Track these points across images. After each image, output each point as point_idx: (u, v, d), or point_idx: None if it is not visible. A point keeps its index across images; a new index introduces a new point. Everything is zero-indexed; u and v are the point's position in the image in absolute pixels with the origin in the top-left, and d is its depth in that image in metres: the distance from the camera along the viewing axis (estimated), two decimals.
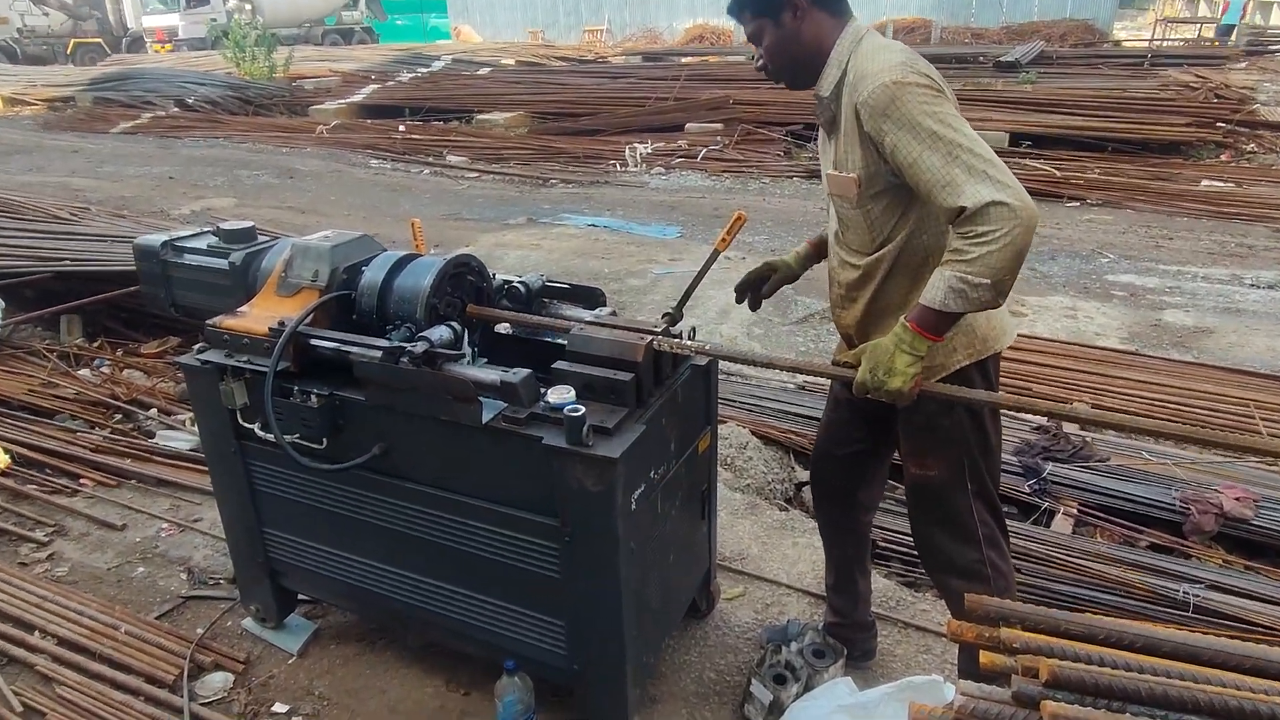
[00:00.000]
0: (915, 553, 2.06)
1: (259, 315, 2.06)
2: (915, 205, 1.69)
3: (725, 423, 3.55)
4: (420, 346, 1.84)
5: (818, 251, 2.09)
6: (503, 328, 2.28)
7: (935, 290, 1.55)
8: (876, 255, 1.77)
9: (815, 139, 8.50)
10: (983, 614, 1.26)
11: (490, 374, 1.87)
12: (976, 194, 1.49)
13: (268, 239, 2.32)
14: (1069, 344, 4.44)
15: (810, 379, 4.07)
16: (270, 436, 2.04)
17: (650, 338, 1.89)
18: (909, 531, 2.05)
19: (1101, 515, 3.03)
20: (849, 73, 1.66)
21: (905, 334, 1.58)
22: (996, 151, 1.78)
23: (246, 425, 2.12)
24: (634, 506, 1.81)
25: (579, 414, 1.70)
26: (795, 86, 1.76)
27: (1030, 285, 5.59)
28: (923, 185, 1.56)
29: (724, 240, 1.91)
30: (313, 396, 1.98)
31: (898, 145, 1.58)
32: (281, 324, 1.97)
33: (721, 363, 4.10)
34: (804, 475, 3.46)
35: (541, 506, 1.84)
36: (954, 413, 1.76)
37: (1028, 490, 3.17)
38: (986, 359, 1.80)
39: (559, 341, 2.15)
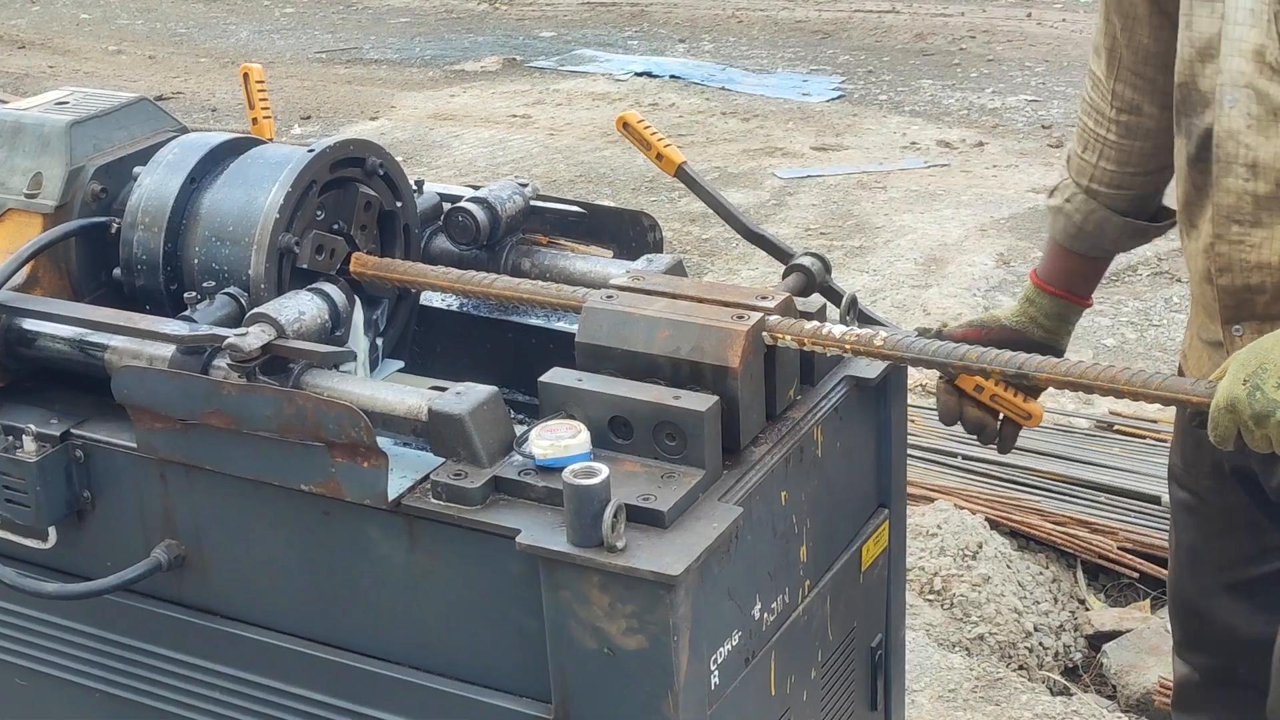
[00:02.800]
0: None
1: None
2: None
3: (931, 500, 3.58)
4: (256, 335, 1.88)
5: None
6: (437, 297, 2.30)
7: None
8: None
9: None
10: None
11: (404, 395, 1.88)
12: None
13: None
14: None
15: (1126, 410, 4.07)
16: None
17: (756, 317, 1.92)
18: None
19: None
20: None
21: None
22: None
23: None
24: (715, 682, 1.83)
25: (596, 481, 1.72)
26: None
27: None
28: None
29: None
30: (27, 439, 2.01)
31: None
32: None
33: (915, 372, 4.16)
34: (1102, 616, 3.45)
35: (514, 679, 1.86)
36: None
37: None
38: None
39: (557, 328, 2.17)
